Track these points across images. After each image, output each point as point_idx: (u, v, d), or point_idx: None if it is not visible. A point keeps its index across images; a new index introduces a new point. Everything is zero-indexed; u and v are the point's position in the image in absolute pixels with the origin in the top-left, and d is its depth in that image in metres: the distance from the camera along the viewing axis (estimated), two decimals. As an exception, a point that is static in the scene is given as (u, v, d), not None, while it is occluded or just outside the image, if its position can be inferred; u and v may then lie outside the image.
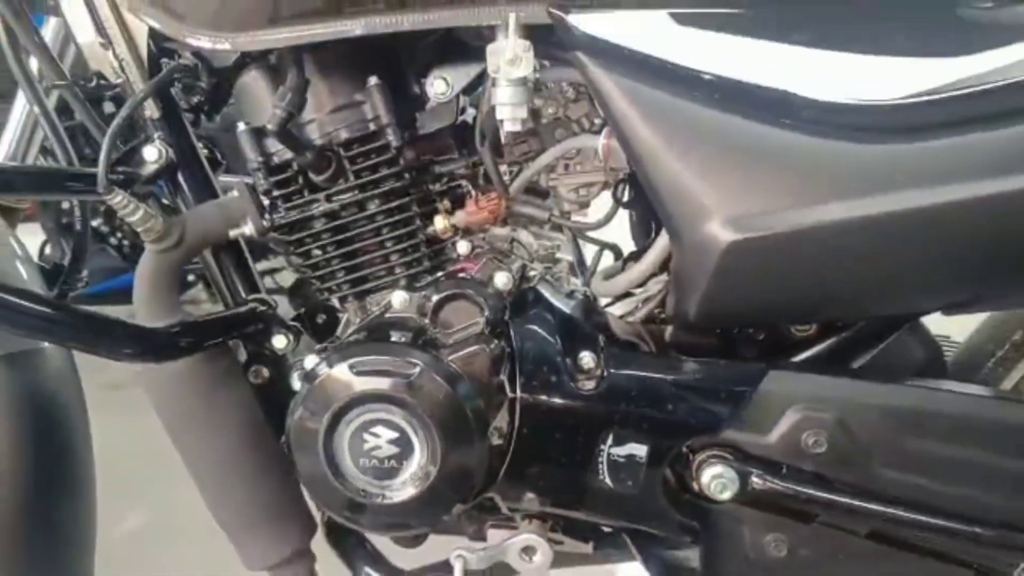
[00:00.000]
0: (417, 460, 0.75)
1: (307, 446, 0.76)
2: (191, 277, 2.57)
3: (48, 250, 1.85)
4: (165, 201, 0.94)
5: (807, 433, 0.78)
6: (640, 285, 0.91)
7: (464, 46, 0.82)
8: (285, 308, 0.96)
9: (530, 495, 0.85)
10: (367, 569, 0.97)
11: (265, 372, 0.91)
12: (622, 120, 0.73)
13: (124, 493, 1.40)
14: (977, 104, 0.68)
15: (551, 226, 1.00)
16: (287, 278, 1.71)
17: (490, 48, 0.73)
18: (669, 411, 0.81)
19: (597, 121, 0.86)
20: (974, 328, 0.99)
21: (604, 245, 1.03)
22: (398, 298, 0.83)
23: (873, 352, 0.84)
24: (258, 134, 0.83)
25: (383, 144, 0.82)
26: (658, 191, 0.74)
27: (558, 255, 1.03)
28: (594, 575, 1.07)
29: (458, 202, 0.87)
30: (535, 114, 0.86)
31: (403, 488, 0.76)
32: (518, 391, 0.82)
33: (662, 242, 0.83)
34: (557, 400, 0.82)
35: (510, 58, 0.72)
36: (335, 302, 0.89)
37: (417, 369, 0.74)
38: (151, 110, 0.88)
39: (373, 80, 0.81)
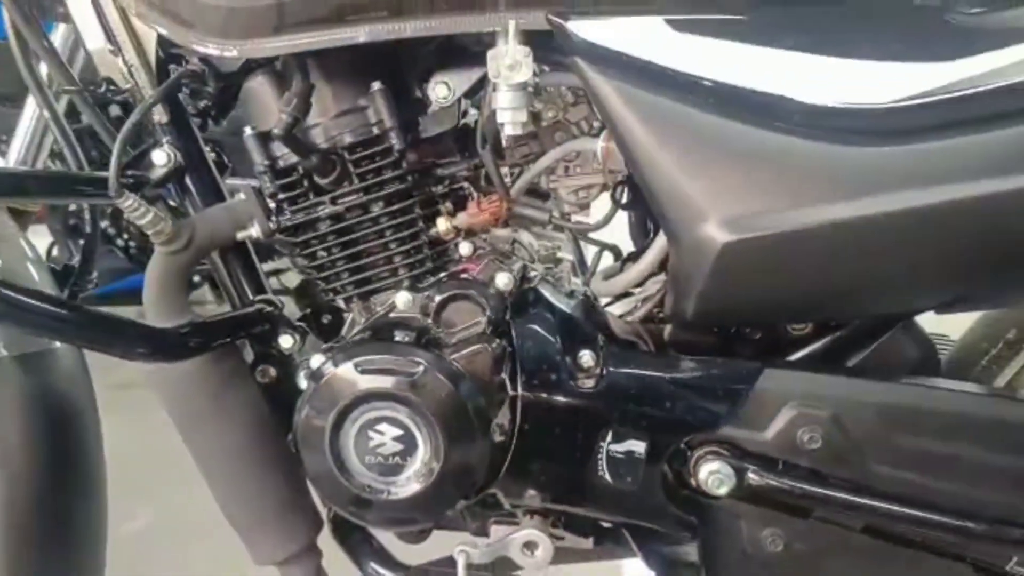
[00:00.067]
0: (421, 457, 0.76)
1: (313, 443, 0.77)
2: (196, 278, 2.58)
3: (55, 252, 1.87)
4: (173, 204, 0.95)
5: (802, 430, 0.79)
6: (639, 285, 0.92)
7: (465, 51, 0.83)
8: (291, 309, 0.97)
9: (531, 491, 0.86)
10: (372, 564, 0.98)
11: (272, 371, 0.93)
12: (619, 124, 0.74)
13: (131, 492, 1.41)
14: (967, 107, 0.69)
15: (552, 227, 1.01)
16: (293, 279, 1.72)
17: (491, 54, 0.74)
18: (667, 408, 0.82)
19: (596, 124, 0.87)
20: (968, 327, 1.01)
21: (604, 246, 1.04)
22: (402, 298, 0.84)
23: (868, 351, 0.85)
24: (264, 138, 0.84)
25: (386, 148, 0.83)
26: (655, 193, 0.75)
27: (559, 255, 1.04)
28: (601, 571, 1.08)
29: (460, 204, 0.88)
30: (535, 117, 0.87)
31: (407, 484, 0.77)
32: (519, 389, 0.83)
33: (660, 243, 0.84)
34: (557, 398, 0.83)
35: (510, 63, 0.73)
36: (340, 302, 0.90)
37: (421, 368, 0.76)
38: (160, 115, 0.89)
39: (376, 85, 0.82)
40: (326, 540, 0.97)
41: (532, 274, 0.91)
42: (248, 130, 0.84)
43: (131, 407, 1.60)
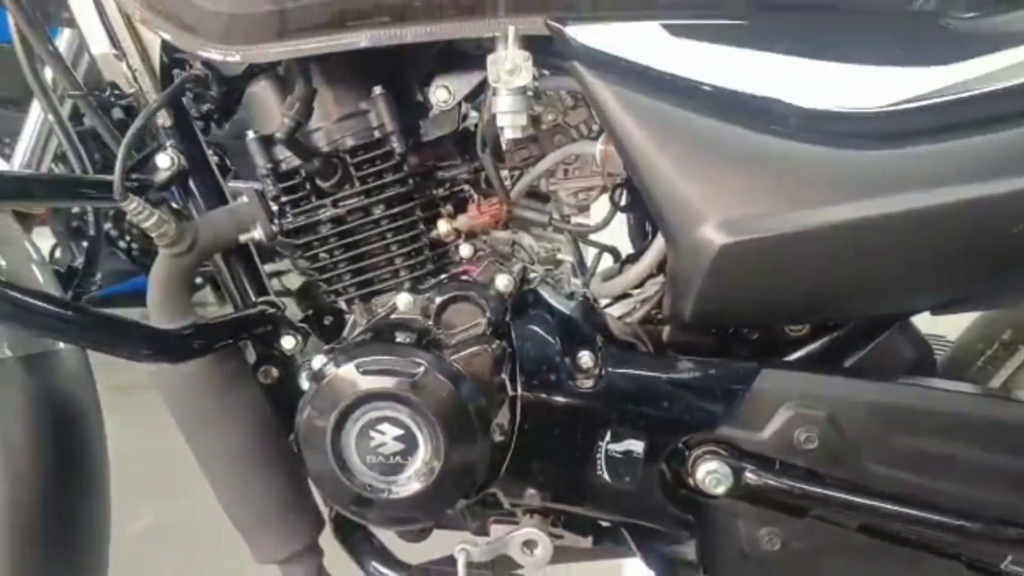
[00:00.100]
0: (422, 456, 0.77)
1: (315, 443, 0.77)
2: (199, 280, 2.58)
3: (58, 254, 1.88)
4: (176, 207, 0.95)
5: (799, 430, 0.80)
6: (638, 286, 0.92)
7: (465, 56, 0.83)
8: (293, 310, 0.98)
9: (531, 490, 0.86)
10: (373, 563, 0.99)
11: (274, 372, 0.93)
12: (618, 127, 0.74)
13: (134, 493, 1.42)
14: (962, 111, 0.70)
15: (551, 229, 1.02)
16: (295, 281, 1.73)
17: (491, 58, 0.74)
18: (665, 409, 0.83)
19: (595, 128, 0.88)
20: (964, 328, 1.01)
21: (603, 248, 1.04)
22: (403, 300, 0.85)
23: (864, 351, 0.86)
24: (267, 142, 0.84)
25: (388, 151, 0.84)
26: (653, 196, 0.75)
27: (559, 257, 1.05)
28: (600, 570, 1.08)
29: (460, 206, 0.89)
30: (535, 121, 0.88)
31: (408, 483, 0.78)
32: (519, 389, 0.84)
33: (658, 245, 0.85)
34: (557, 398, 0.84)
35: (510, 68, 0.74)
36: (342, 304, 0.91)
37: (421, 368, 0.76)
38: (163, 119, 0.89)
39: (378, 89, 0.82)
40: (328, 539, 0.97)
41: (532, 276, 0.91)
42: (251, 134, 0.85)
43: (133, 408, 1.61)
